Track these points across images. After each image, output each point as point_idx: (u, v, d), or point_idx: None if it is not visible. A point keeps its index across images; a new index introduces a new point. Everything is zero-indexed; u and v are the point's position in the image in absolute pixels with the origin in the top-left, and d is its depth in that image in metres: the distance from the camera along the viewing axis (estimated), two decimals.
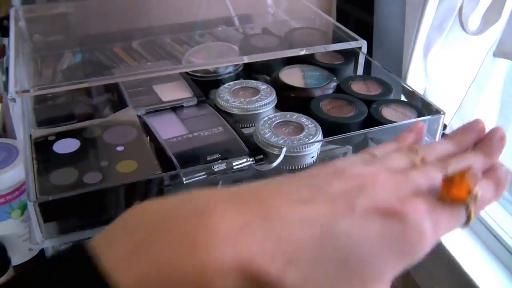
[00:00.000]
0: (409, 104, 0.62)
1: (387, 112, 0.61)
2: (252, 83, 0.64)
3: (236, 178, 0.53)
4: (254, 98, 0.61)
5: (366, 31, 0.71)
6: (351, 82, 0.66)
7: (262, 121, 0.57)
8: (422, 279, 1.13)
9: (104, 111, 0.66)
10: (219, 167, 0.51)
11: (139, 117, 0.60)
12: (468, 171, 0.33)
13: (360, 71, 0.70)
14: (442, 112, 0.59)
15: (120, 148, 0.53)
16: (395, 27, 0.72)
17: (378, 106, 0.61)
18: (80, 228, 0.49)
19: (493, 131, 0.40)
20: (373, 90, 0.65)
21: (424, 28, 1.07)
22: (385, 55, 0.72)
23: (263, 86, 0.64)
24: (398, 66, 0.75)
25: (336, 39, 0.71)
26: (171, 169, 0.51)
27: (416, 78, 1.17)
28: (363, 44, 0.68)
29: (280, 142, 0.54)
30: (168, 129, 0.57)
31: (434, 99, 1.18)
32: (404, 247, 0.31)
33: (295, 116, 0.58)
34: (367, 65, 0.70)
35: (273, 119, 0.57)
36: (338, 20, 0.74)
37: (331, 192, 0.31)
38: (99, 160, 0.51)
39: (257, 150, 0.54)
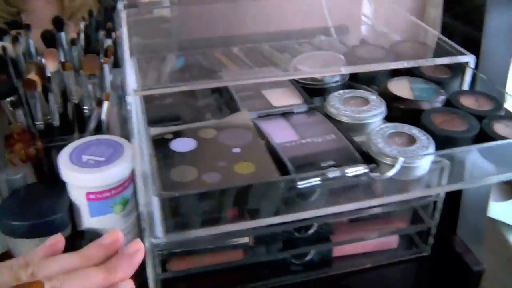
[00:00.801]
0: None
1: (499, 127, 0.60)
2: (362, 93, 0.64)
3: (348, 185, 0.53)
4: (364, 108, 0.61)
5: (472, 45, 0.70)
6: (460, 96, 0.65)
7: (375, 130, 0.57)
8: None
9: (206, 115, 0.67)
10: (333, 173, 0.51)
11: (253, 120, 0.61)
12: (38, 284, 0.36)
13: (466, 86, 0.69)
14: None
15: (236, 150, 0.54)
16: (503, 43, 0.71)
17: (490, 121, 0.60)
18: (195, 226, 0.50)
19: (125, 247, 0.42)
20: (483, 105, 0.64)
21: None
22: (491, 71, 0.71)
23: (373, 96, 0.64)
24: (504, 83, 0.73)
25: (440, 53, 0.70)
26: (284, 173, 0.52)
27: None
28: (471, 59, 0.67)
29: (394, 152, 0.53)
30: (280, 134, 0.58)
31: None
32: None
33: (407, 128, 0.58)
34: (473, 80, 0.69)
35: (385, 129, 0.57)
36: (442, 34, 0.73)
37: None
38: (216, 160, 0.53)
39: (370, 159, 0.54)
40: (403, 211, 0.83)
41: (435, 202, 0.78)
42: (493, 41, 0.71)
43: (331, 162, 0.53)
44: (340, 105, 0.62)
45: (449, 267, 0.81)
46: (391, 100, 0.63)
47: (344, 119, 0.61)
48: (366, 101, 0.63)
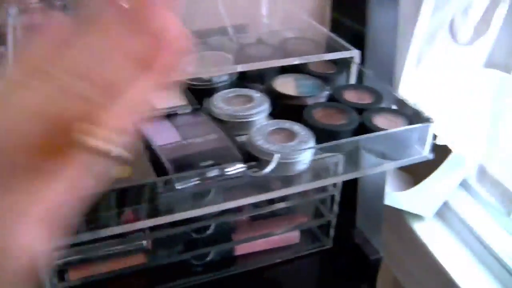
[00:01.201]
0: (399, 113, 0.63)
1: (379, 120, 0.61)
2: (246, 91, 0.65)
3: (229, 185, 0.54)
4: (247, 106, 0.62)
5: (359, 41, 0.72)
6: (343, 91, 0.67)
7: (255, 128, 0.57)
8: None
9: None
10: (212, 173, 0.51)
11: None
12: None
13: (352, 80, 0.71)
14: (431, 121, 0.60)
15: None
16: (388, 37, 0.73)
17: (370, 114, 0.62)
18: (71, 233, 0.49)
19: None
20: (364, 98, 0.66)
21: (417, 39, 1.08)
22: (377, 65, 0.73)
23: (256, 95, 0.64)
24: (390, 76, 0.76)
25: (330, 49, 0.72)
26: (164, 175, 0.52)
27: (408, 88, 1.18)
28: (356, 54, 0.68)
29: (273, 149, 0.54)
30: (162, 135, 0.58)
31: (425, 109, 1.19)
32: None
33: (288, 124, 0.59)
34: (360, 74, 0.71)
35: (266, 127, 0.58)
36: (331, 30, 0.75)
37: None
38: None
39: (250, 157, 0.54)
40: (304, 207, 0.85)
41: (332, 196, 0.80)
42: (378, 35, 0.73)
43: (211, 162, 0.53)
44: (222, 104, 0.62)
45: (349, 258, 0.83)
46: (275, 97, 0.64)
47: (228, 118, 0.61)
48: (250, 99, 0.63)
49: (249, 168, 0.53)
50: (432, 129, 0.60)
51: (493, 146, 0.97)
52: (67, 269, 0.73)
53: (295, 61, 0.65)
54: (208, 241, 0.76)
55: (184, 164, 0.53)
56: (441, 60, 1.03)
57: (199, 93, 0.67)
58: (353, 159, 0.60)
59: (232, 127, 0.61)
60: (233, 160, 0.54)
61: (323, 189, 0.80)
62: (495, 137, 0.95)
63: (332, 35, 0.73)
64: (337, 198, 0.80)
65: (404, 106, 0.64)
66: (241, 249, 0.81)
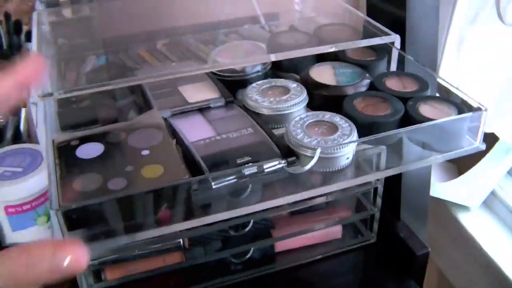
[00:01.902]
0: (447, 101, 0.59)
1: (425, 109, 0.57)
2: (282, 81, 0.62)
3: (268, 181, 0.51)
4: (284, 98, 0.58)
5: (398, 26, 0.68)
6: (385, 78, 0.63)
7: (294, 121, 0.54)
8: (459, 282, 1.10)
9: (129, 114, 0.64)
10: (249, 170, 0.48)
11: (165, 119, 0.58)
12: None
13: (393, 67, 0.67)
14: (484, 109, 0.56)
15: (145, 152, 0.51)
16: (429, 21, 0.69)
17: (415, 103, 0.58)
18: (105, 236, 0.47)
19: None
20: (408, 86, 0.62)
21: (457, 21, 1.04)
22: (418, 51, 0.69)
23: (293, 85, 0.61)
24: (432, 62, 0.72)
25: (367, 35, 0.68)
26: (199, 173, 0.49)
27: (449, 74, 1.13)
28: (396, 38, 0.65)
29: (314, 143, 0.51)
30: (195, 131, 0.55)
31: (469, 94, 1.14)
32: None
33: (328, 116, 0.56)
34: (401, 61, 0.67)
35: (305, 119, 0.55)
36: (368, 15, 0.71)
37: None
38: (124, 165, 0.49)
39: (289, 152, 0.51)
40: (345, 200, 0.81)
41: (375, 189, 0.77)
42: (417, 19, 0.68)
43: (248, 158, 0.50)
44: (258, 96, 0.59)
45: (395, 253, 0.80)
46: (313, 87, 0.61)
47: (264, 111, 0.58)
48: (286, 90, 0.60)
49: (288, 164, 0.50)
50: (484, 117, 0.55)
51: None
52: (103, 268, 0.71)
53: (332, 48, 0.62)
54: (247, 239, 0.74)
55: (220, 162, 0.50)
56: (485, 42, 0.99)
57: (232, 85, 0.64)
58: (397, 152, 0.57)
59: (268, 120, 0.57)
60: (271, 156, 0.50)
61: (365, 182, 0.77)
62: None
63: (370, 19, 0.69)
64: (380, 190, 0.76)
65: (452, 94, 0.60)
66: (281, 246, 0.79)
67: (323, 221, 0.79)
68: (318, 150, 0.49)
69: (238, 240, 0.74)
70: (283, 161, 0.50)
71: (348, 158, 0.52)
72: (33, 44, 0.64)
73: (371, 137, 0.52)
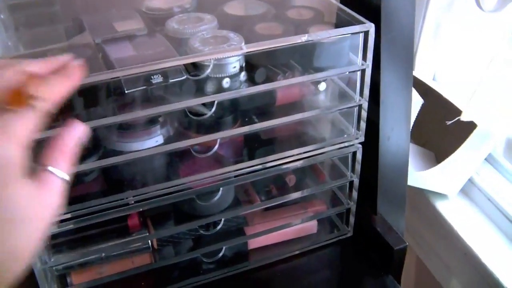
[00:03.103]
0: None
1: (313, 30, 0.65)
2: (198, 14, 0.68)
3: (175, 92, 0.59)
4: (197, 24, 0.65)
5: (374, 14, 0.65)
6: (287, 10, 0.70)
7: (195, 36, 0.62)
8: (437, 269, 1.09)
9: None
10: (156, 79, 0.57)
11: (98, 44, 0.64)
12: (27, 80, 0.42)
13: (369, 56, 0.64)
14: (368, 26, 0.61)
15: None
16: (405, 9, 0.66)
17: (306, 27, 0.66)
18: None
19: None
20: (305, 15, 0.69)
21: (433, 8, 1.01)
22: (394, 39, 0.66)
23: (207, 16, 0.67)
24: (409, 50, 0.69)
25: (341, 23, 0.65)
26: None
27: (425, 61, 1.11)
28: (370, 27, 0.62)
29: (206, 50, 0.59)
30: (120, 52, 0.62)
31: (445, 82, 1.12)
32: None
33: (224, 32, 0.63)
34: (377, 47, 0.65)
35: (205, 34, 0.63)
36: (343, 3, 0.68)
37: None
38: None
39: (192, 65, 0.60)
40: (320, 195, 0.79)
41: (351, 182, 0.74)
42: (393, 7, 0.65)
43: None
44: (175, 24, 0.66)
45: (371, 247, 0.78)
46: (225, 18, 0.69)
47: (178, 35, 0.65)
48: (200, 19, 0.67)
49: (190, 74, 0.59)
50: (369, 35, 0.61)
51: None
52: (69, 273, 0.68)
53: (304, 37, 0.59)
54: (219, 237, 0.71)
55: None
56: (462, 29, 0.96)
57: (159, 20, 0.69)
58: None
59: (183, 43, 0.64)
60: (178, 69, 0.58)
61: (340, 175, 0.74)
62: None
63: (343, 7, 0.66)
64: (356, 183, 0.74)
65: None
66: (255, 243, 0.76)
67: (298, 216, 0.76)
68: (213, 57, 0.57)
69: (210, 239, 0.71)
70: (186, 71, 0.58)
71: (234, 67, 0.60)
72: None
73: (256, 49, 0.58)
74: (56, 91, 0.44)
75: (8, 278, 0.39)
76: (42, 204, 0.42)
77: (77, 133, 0.48)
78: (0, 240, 0.38)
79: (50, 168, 0.44)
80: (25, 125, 0.41)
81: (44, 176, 0.43)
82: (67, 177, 0.45)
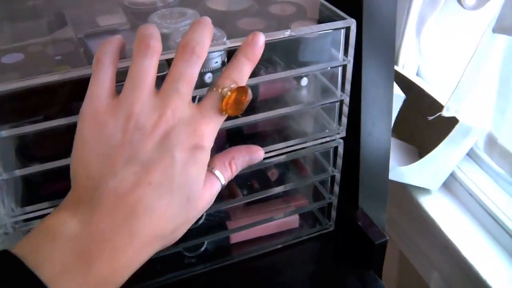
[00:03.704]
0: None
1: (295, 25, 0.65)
2: (181, 9, 0.68)
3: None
4: (180, 19, 0.66)
5: (355, 9, 0.65)
6: (269, 6, 0.70)
7: (177, 31, 0.62)
8: (419, 263, 1.10)
9: None
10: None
11: (80, 38, 0.63)
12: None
13: (351, 53, 0.64)
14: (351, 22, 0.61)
15: (58, 57, 0.59)
16: (387, 2, 0.66)
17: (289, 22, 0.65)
18: None
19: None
20: (287, 11, 0.69)
21: (417, 3, 1.02)
22: (375, 35, 0.66)
23: (190, 11, 0.67)
24: (391, 47, 0.69)
25: (323, 18, 0.66)
26: None
27: (409, 56, 1.12)
28: (352, 23, 0.62)
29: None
30: None
31: (428, 77, 1.13)
32: None
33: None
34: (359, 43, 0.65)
35: (187, 29, 0.62)
36: None
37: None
38: (39, 67, 0.57)
39: None
40: (302, 189, 0.80)
41: (333, 177, 0.75)
42: (375, 3, 0.66)
43: None
44: (157, 19, 0.65)
45: (353, 242, 0.78)
46: (207, 13, 0.65)
47: (164, 30, 0.63)
48: (183, 15, 0.67)
49: None
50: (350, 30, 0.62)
51: (501, 114, 0.91)
52: None
53: (287, 32, 0.59)
54: (201, 231, 0.72)
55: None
56: (445, 26, 0.97)
57: (142, 15, 0.69)
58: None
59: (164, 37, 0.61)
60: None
61: (322, 170, 0.75)
62: (503, 105, 0.90)
63: (325, 2, 0.66)
64: (338, 178, 0.75)
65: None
66: (237, 237, 0.76)
67: (280, 210, 0.77)
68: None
69: (192, 233, 0.71)
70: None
71: (216, 62, 0.60)
72: None
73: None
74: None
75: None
76: (203, 199, 0.48)
77: (255, 157, 0.54)
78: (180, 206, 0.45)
79: (217, 172, 0.50)
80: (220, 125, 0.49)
81: (210, 176, 0.49)
82: (224, 184, 0.51)
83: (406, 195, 1.07)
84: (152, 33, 0.47)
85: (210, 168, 0.49)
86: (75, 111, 0.54)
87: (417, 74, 1.15)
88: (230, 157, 0.52)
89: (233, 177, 0.52)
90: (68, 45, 0.62)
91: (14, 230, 0.58)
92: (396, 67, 1.12)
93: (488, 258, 0.93)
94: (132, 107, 0.44)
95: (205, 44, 0.47)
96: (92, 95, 0.45)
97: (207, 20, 0.50)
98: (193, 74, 0.46)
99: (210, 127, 0.47)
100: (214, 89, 0.47)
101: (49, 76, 0.51)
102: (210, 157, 0.48)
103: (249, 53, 0.50)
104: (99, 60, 0.46)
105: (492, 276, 0.89)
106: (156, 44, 0.46)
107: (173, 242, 0.48)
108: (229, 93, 0.47)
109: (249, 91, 0.48)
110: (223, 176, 0.50)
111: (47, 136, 0.61)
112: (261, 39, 0.50)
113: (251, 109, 0.65)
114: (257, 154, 0.54)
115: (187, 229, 0.48)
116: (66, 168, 0.48)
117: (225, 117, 0.48)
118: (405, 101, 0.97)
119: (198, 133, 0.45)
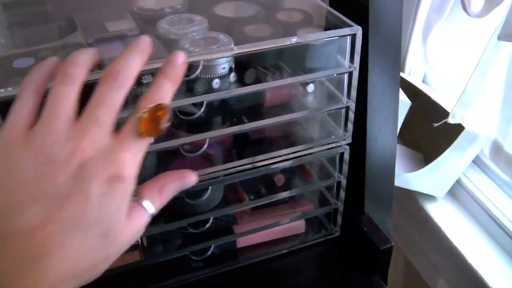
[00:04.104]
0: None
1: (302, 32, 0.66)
2: (189, 15, 0.69)
3: None
4: (187, 25, 0.66)
5: (361, 16, 0.66)
6: (277, 12, 0.71)
7: (186, 36, 0.63)
8: (425, 269, 1.10)
9: None
10: (146, 79, 0.55)
11: (89, 44, 0.64)
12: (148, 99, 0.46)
13: (357, 59, 0.65)
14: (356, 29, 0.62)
15: None
16: (393, 12, 0.67)
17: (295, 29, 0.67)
18: None
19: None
20: (295, 18, 0.70)
21: (423, 11, 1.03)
22: (381, 42, 0.67)
23: (198, 18, 0.68)
24: (396, 54, 0.70)
25: (330, 25, 0.66)
26: None
27: (415, 63, 1.12)
28: (358, 30, 0.63)
29: (196, 50, 0.59)
30: (111, 52, 0.62)
31: (434, 84, 1.14)
32: None
33: (214, 34, 0.63)
34: (365, 52, 0.66)
35: (195, 35, 0.63)
36: (332, 6, 0.69)
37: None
38: None
39: None
40: (308, 194, 0.80)
41: (339, 182, 0.75)
42: (381, 10, 0.66)
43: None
44: (165, 25, 0.66)
45: (358, 247, 0.79)
46: (215, 19, 0.70)
47: (172, 36, 0.65)
48: (191, 21, 0.67)
49: None
50: (356, 37, 0.62)
51: (507, 121, 0.91)
52: None
53: (294, 39, 0.60)
54: (208, 235, 0.72)
55: None
56: (451, 33, 0.98)
57: (151, 21, 0.70)
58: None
59: (173, 44, 0.64)
60: None
61: (328, 175, 0.75)
62: (509, 113, 0.90)
63: (332, 10, 0.67)
64: (344, 183, 0.75)
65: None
66: (243, 241, 0.77)
67: (286, 215, 0.77)
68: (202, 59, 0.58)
69: (199, 237, 0.72)
70: None
71: (224, 68, 0.61)
72: None
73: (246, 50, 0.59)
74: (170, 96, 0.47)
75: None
76: (127, 233, 0.46)
77: (187, 182, 0.52)
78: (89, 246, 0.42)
79: (145, 202, 0.47)
80: (146, 149, 0.46)
81: (137, 207, 0.47)
82: (154, 213, 0.48)
83: (412, 201, 1.07)
84: (76, 60, 0.45)
85: (139, 197, 0.47)
86: None
87: (423, 81, 1.16)
88: (161, 185, 0.50)
89: (164, 205, 0.50)
90: None
91: None
92: (402, 74, 1.13)
93: (494, 265, 0.93)
94: (46, 138, 0.41)
95: (131, 70, 0.45)
96: (8, 124, 0.43)
97: (142, 42, 0.48)
98: (115, 101, 0.43)
99: (131, 154, 0.43)
100: (133, 113, 0.45)
101: None
102: (140, 185, 0.47)
103: (169, 72, 0.47)
104: (22, 88, 0.44)
105: (498, 284, 0.89)
106: (77, 71, 0.44)
107: (92, 280, 0.44)
108: (145, 114, 0.44)
109: (168, 108, 0.45)
110: (152, 206, 0.48)
111: None
112: (180, 58, 0.48)
113: (258, 114, 0.66)
114: (189, 179, 0.52)
115: (109, 264, 0.46)
116: None
117: (147, 141, 0.45)
118: (411, 108, 0.97)
119: (117, 162, 0.42)
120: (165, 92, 0.46)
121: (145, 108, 0.44)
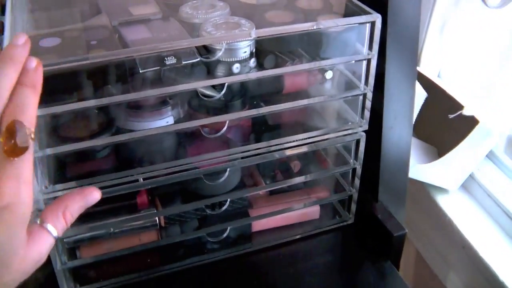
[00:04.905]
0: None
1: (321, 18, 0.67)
2: (212, 1, 0.71)
3: (187, 74, 0.62)
4: (210, 10, 0.68)
5: (380, 5, 0.67)
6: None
7: (208, 21, 0.64)
8: (436, 262, 1.10)
9: None
10: (170, 60, 0.60)
11: (114, 26, 0.66)
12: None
13: (375, 48, 0.66)
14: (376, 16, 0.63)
15: (93, 42, 0.61)
16: (411, 2, 0.68)
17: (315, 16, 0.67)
18: None
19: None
20: (314, 5, 0.72)
21: (440, 3, 1.03)
22: (399, 32, 0.68)
23: (220, 3, 0.70)
24: (414, 44, 0.71)
25: (349, 13, 0.68)
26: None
27: (431, 58, 1.13)
28: (377, 18, 0.64)
29: (217, 35, 0.61)
30: (135, 34, 0.64)
31: (449, 78, 1.14)
32: None
33: (236, 18, 0.65)
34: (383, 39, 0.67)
35: (217, 20, 0.65)
36: None
37: None
38: (76, 51, 0.59)
39: (205, 48, 0.63)
40: (324, 181, 0.81)
41: (354, 170, 0.76)
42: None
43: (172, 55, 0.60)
44: (189, 10, 0.68)
45: (372, 234, 0.80)
46: (236, 5, 0.71)
47: (196, 20, 0.67)
48: (213, 6, 0.69)
49: (202, 56, 0.62)
50: (375, 26, 0.63)
51: None
52: (78, 246, 0.70)
53: (313, 26, 0.61)
54: (224, 218, 0.74)
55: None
56: (468, 24, 0.98)
57: (174, 6, 0.71)
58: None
59: (194, 27, 0.66)
60: (191, 52, 0.62)
61: (344, 162, 0.76)
62: None
63: None
64: (359, 171, 0.76)
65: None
66: (258, 225, 0.78)
67: (301, 201, 0.79)
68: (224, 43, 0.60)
69: (215, 219, 0.73)
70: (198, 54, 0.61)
71: (245, 52, 0.63)
72: (7, 17, 0.63)
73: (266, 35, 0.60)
74: (34, 112, 0.43)
75: None
76: (27, 259, 0.44)
77: (90, 200, 0.51)
78: None
79: (48, 226, 0.46)
80: (30, 165, 0.42)
81: (40, 231, 0.46)
82: (58, 236, 0.47)
83: (424, 194, 1.07)
84: None
85: (40, 222, 0.46)
86: (107, 94, 0.57)
87: (438, 76, 1.16)
88: (63, 207, 0.48)
89: (68, 226, 0.49)
90: (103, 32, 0.64)
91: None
92: (418, 68, 1.13)
93: (505, 259, 0.93)
94: None
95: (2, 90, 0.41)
96: None
97: (11, 49, 0.44)
98: None
99: (11, 180, 0.41)
100: None
101: (83, 58, 0.53)
102: (42, 209, 0.47)
103: (22, 78, 0.43)
104: None
105: (510, 277, 0.89)
106: None
107: None
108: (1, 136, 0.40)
109: (20, 123, 0.41)
110: (55, 229, 0.47)
111: (79, 118, 0.64)
112: (21, 40, 0.44)
113: (276, 101, 0.67)
114: (91, 196, 0.50)
115: None
116: (94, 150, 0.50)
117: (20, 160, 0.41)
118: (425, 102, 0.98)
119: None
120: (23, 102, 0.42)
121: (2, 128, 0.40)
